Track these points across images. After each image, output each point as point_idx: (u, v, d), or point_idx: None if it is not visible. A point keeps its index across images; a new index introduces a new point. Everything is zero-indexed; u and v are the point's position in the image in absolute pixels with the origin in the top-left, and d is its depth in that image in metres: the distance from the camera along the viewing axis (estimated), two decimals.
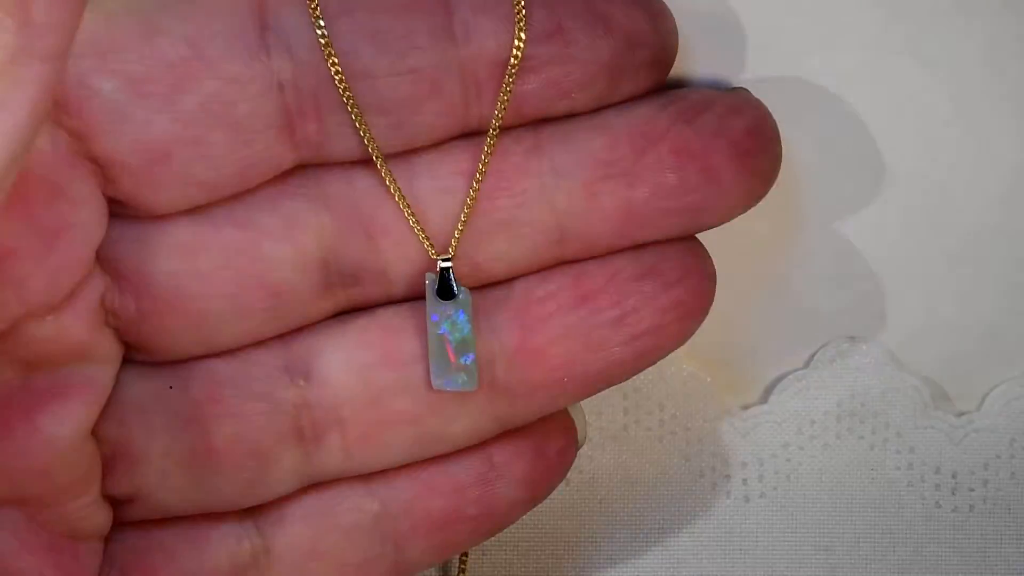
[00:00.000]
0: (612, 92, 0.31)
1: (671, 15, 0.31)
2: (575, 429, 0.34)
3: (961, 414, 0.37)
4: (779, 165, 0.31)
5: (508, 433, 0.32)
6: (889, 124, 0.34)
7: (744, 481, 0.37)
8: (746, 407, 0.37)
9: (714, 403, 0.37)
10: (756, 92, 0.32)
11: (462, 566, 0.36)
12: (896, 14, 0.34)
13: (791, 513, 0.37)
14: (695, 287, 0.31)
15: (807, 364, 0.37)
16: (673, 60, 0.31)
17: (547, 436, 0.33)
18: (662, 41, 0.31)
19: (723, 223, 0.31)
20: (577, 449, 0.34)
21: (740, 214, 0.31)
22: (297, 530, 0.32)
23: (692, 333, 0.32)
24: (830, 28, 0.34)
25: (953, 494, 0.37)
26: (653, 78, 0.31)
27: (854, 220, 0.35)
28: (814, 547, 0.37)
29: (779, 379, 0.37)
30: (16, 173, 0.24)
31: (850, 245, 0.35)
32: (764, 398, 0.37)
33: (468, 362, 0.31)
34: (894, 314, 0.36)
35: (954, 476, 0.37)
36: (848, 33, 0.34)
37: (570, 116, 0.31)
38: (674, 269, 0.31)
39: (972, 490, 0.37)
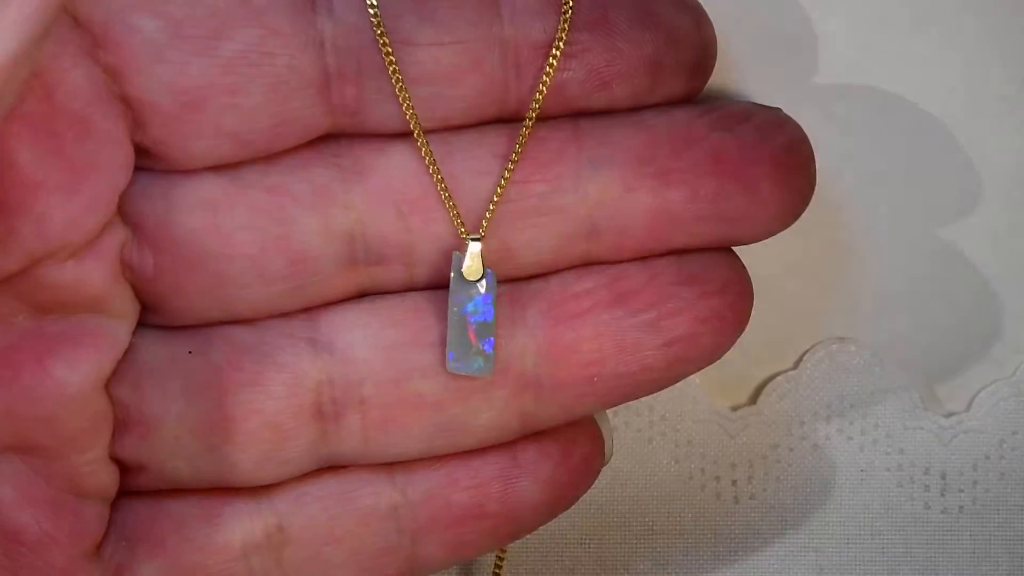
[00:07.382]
0: (652, 90, 0.31)
1: (711, 24, 0.31)
2: (602, 440, 0.33)
3: (950, 415, 0.37)
4: (814, 186, 0.31)
5: (534, 434, 0.32)
6: (878, 125, 0.34)
7: (733, 482, 0.37)
8: (735, 408, 0.37)
9: (703, 404, 0.37)
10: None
11: (497, 571, 0.36)
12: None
13: (780, 514, 0.37)
14: (733, 301, 0.31)
15: (796, 365, 0.37)
16: (712, 68, 0.31)
17: (573, 441, 0.32)
18: (704, 45, 0.31)
19: (759, 238, 0.31)
20: (604, 462, 0.33)
21: (776, 231, 0.31)
22: (313, 512, 0.31)
23: (725, 349, 0.31)
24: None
25: (942, 495, 0.37)
26: (692, 83, 0.31)
27: (842, 221, 0.35)
28: (803, 548, 0.37)
29: (768, 380, 0.37)
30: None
31: (839, 246, 0.35)
32: (753, 399, 0.37)
33: (487, 347, 0.30)
34: (883, 315, 0.36)
35: (943, 477, 0.37)
36: (839, 34, 0.34)
37: (609, 112, 0.31)
38: (715, 279, 0.31)
39: (961, 491, 0.37)
